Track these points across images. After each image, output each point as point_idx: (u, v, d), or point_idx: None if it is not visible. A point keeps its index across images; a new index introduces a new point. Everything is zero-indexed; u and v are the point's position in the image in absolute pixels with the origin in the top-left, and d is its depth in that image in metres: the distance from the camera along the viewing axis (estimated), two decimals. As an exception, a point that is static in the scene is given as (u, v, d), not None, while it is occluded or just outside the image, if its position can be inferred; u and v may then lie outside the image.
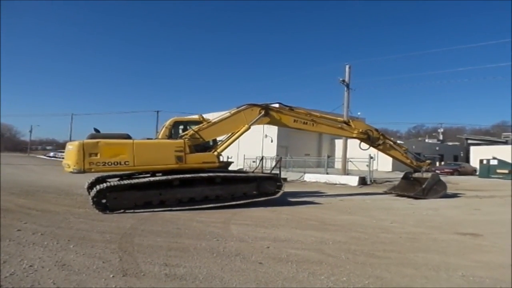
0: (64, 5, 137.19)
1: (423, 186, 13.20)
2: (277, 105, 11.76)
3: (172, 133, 10.08)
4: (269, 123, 11.54)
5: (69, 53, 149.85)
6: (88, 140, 8.57)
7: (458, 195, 15.17)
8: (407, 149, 14.60)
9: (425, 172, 13.93)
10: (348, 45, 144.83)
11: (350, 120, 13.59)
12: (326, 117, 12.85)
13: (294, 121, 11.72)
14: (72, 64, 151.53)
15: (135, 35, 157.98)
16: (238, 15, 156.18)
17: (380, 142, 13.39)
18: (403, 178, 15.02)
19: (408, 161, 14.20)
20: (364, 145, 13.52)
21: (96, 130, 9.33)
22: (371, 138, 13.15)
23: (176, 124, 10.39)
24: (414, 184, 13.96)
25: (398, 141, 15.49)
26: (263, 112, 10.83)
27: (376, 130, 13.54)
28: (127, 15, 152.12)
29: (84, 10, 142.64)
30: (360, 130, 13.00)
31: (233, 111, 10.72)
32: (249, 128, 10.57)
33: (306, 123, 11.93)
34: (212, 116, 10.91)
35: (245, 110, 10.73)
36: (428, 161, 14.81)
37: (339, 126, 12.93)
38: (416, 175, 14.15)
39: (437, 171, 31.63)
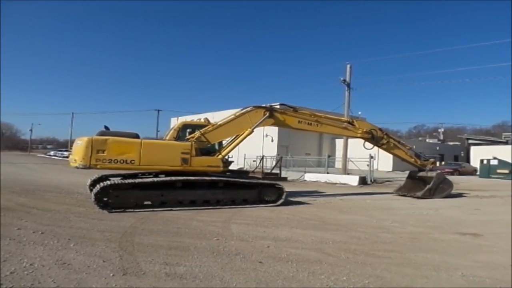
0: (65, 4, 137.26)
1: (429, 186, 13.19)
2: (280, 106, 11.77)
3: (180, 136, 10.11)
4: (273, 124, 11.57)
5: (70, 52, 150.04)
6: (97, 137, 8.63)
7: (464, 195, 15.16)
8: (410, 148, 14.62)
9: (430, 171, 13.92)
10: (349, 45, 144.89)
11: (354, 120, 13.61)
12: (330, 117, 12.86)
13: (299, 122, 11.77)
14: (73, 63, 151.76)
15: (136, 34, 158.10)
16: (239, 14, 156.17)
17: (384, 141, 13.42)
18: (408, 177, 15.01)
19: (412, 160, 14.21)
20: (368, 145, 13.56)
21: (106, 128, 9.38)
22: (375, 138, 13.17)
23: (184, 127, 10.41)
24: (420, 184, 13.93)
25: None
26: (267, 114, 10.87)
27: (380, 129, 13.56)
28: (128, 14, 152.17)
29: (85, 9, 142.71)
30: (364, 130, 13.02)
31: (238, 113, 10.77)
32: (252, 131, 10.60)
33: (311, 124, 11.95)
34: (214, 115, 10.94)
35: (250, 112, 10.77)
36: (432, 160, 14.81)
37: (343, 126, 12.97)
38: (421, 174, 14.15)
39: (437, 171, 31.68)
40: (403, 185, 15.00)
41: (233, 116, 10.68)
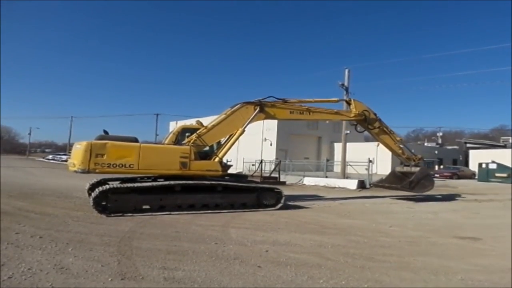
0: (64, 8, 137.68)
1: (411, 179, 13.04)
2: (270, 99, 11.57)
3: (179, 140, 10.12)
4: (265, 118, 11.51)
5: (69, 56, 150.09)
6: (96, 141, 8.65)
7: (462, 198, 15.16)
8: (401, 140, 14.38)
9: (414, 167, 13.76)
10: (348, 50, 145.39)
11: (352, 100, 13.58)
12: (320, 101, 12.81)
13: (290, 112, 11.79)
14: (72, 67, 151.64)
15: (135, 39, 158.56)
16: (238, 19, 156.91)
17: (376, 125, 13.39)
18: (391, 171, 14.97)
19: (400, 151, 14.04)
20: (360, 128, 13.59)
21: (105, 132, 9.39)
22: (367, 120, 13.16)
23: (183, 131, 10.40)
24: (402, 179, 13.80)
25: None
26: (258, 109, 10.85)
27: (374, 113, 13.48)
28: (127, 18, 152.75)
29: (84, 12, 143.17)
30: (357, 112, 13.03)
31: (228, 112, 10.73)
32: (244, 131, 10.59)
33: (303, 113, 11.99)
34: (211, 120, 10.88)
35: (240, 109, 10.74)
36: (419, 156, 14.58)
37: (335, 111, 13.04)
38: (405, 169, 14.06)
39: (436, 175, 31.48)
40: (385, 178, 14.88)
41: (224, 115, 10.64)
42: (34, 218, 7.41)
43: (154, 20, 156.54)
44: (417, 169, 13.54)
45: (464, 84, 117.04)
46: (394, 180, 14.18)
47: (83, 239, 5.70)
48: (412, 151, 15.06)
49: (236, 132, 10.47)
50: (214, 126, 10.32)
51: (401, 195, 14.94)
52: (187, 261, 4.71)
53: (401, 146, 14.30)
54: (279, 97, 11.73)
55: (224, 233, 6.65)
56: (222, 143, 10.65)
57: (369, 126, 13.33)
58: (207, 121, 10.92)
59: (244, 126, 10.60)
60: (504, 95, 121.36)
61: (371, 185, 19.71)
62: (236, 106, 10.79)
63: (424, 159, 16.62)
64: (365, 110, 13.20)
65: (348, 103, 13.44)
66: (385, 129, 13.73)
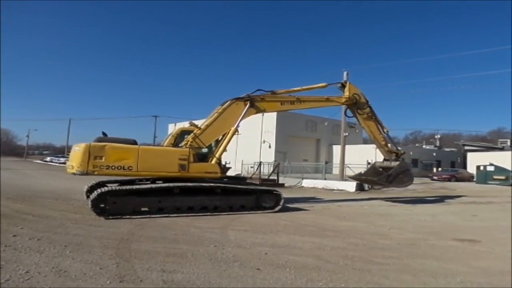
0: (62, 10, 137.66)
1: (389, 172, 12.90)
2: (259, 93, 11.53)
3: (178, 142, 10.11)
4: (257, 112, 11.51)
5: (68, 58, 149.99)
6: (95, 143, 8.64)
7: (455, 200, 15.18)
8: (387, 132, 14.15)
9: (394, 161, 13.64)
10: (346, 52, 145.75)
11: (348, 83, 13.54)
12: (308, 88, 12.78)
13: (281, 104, 11.82)
14: (71, 69, 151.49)
15: (134, 40, 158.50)
16: (236, 22, 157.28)
17: (366, 111, 13.32)
18: (372, 166, 14.85)
19: (383, 142, 13.87)
20: (349, 112, 13.65)
21: (104, 134, 9.39)
22: (357, 104, 13.15)
23: (182, 134, 10.39)
24: (382, 173, 13.68)
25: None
26: (248, 104, 10.86)
27: (366, 100, 13.41)
28: (125, 20, 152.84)
29: (82, 14, 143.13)
30: (348, 96, 13.03)
31: (220, 110, 10.71)
32: (236, 130, 10.59)
33: (293, 103, 12.02)
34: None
35: (231, 106, 10.75)
36: (402, 151, 14.46)
37: (326, 98, 13.04)
38: (385, 164, 13.96)
39: (434, 177, 31.45)
40: (364, 172, 14.72)
41: (216, 114, 10.63)
42: (32, 221, 7.37)
43: (152, 22, 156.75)
44: (397, 163, 13.39)
45: (462, 86, 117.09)
46: (374, 174, 13.99)
47: (82, 242, 5.67)
48: (404, 151, 14.81)
49: (228, 132, 10.46)
50: (208, 126, 10.33)
51: (399, 196, 14.98)
52: (186, 264, 4.70)
53: (386, 138, 14.13)
54: (267, 90, 11.70)
55: (223, 236, 6.63)
56: (219, 144, 10.65)
57: (358, 110, 13.25)
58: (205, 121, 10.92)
59: (237, 124, 10.61)
60: (502, 97, 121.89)
61: (370, 188, 19.75)
62: (227, 103, 10.78)
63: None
64: (356, 94, 13.15)
65: (344, 86, 13.41)
66: (373, 116, 13.63)
